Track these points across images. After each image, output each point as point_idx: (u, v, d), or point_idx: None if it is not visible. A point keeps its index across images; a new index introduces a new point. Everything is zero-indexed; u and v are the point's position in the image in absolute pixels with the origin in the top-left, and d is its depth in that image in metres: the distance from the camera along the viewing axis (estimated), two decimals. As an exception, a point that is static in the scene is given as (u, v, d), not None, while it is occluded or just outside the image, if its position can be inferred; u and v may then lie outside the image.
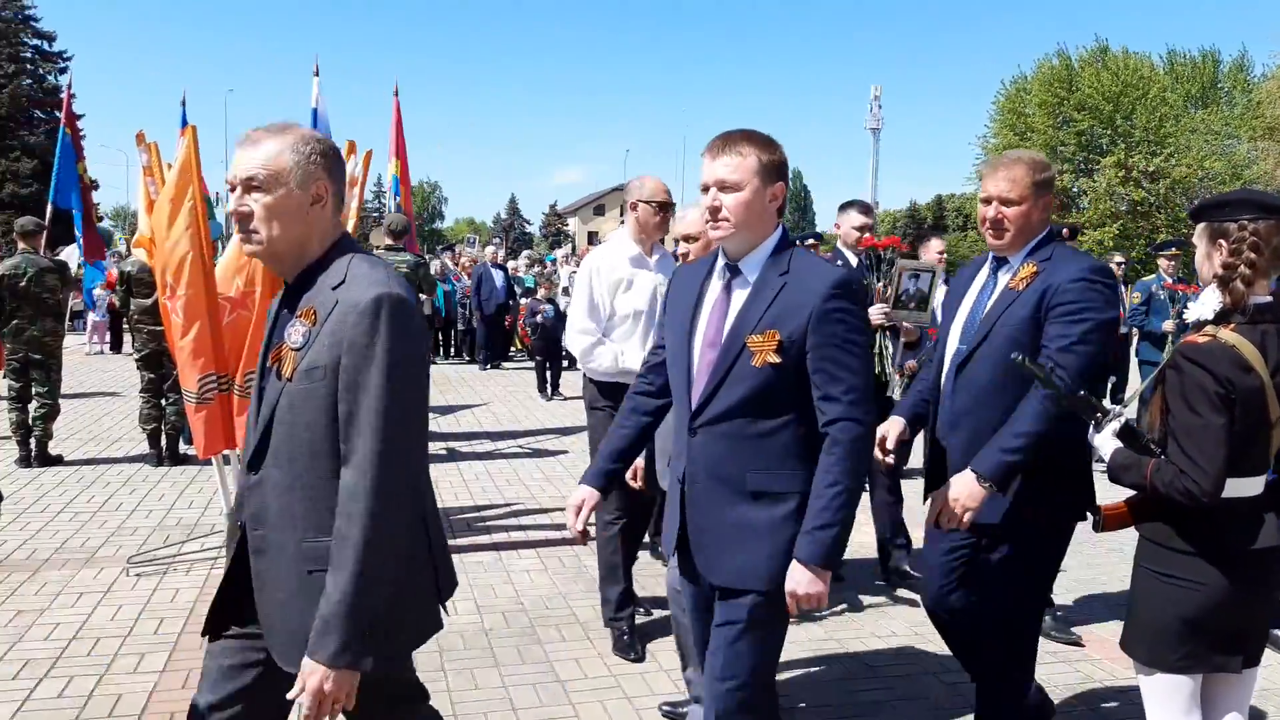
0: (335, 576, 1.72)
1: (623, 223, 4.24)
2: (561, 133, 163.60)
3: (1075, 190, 35.91)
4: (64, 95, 10.46)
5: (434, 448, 8.18)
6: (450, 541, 5.44)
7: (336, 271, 1.85)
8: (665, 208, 3.96)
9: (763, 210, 2.22)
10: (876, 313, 4.54)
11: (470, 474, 7.22)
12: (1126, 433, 2.35)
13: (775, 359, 2.14)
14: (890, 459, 3.03)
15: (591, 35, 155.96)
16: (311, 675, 1.72)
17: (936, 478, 2.88)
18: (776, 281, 2.20)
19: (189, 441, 6.34)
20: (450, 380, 12.73)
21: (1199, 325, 2.27)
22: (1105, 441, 2.37)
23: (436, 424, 9.38)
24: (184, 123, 9.25)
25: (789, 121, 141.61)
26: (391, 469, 1.73)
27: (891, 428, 3.02)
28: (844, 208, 5.03)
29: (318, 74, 8.07)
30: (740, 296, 2.24)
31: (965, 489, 2.60)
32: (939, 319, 3.84)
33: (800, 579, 2.11)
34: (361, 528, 1.71)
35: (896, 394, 4.65)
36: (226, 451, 4.90)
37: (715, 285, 2.32)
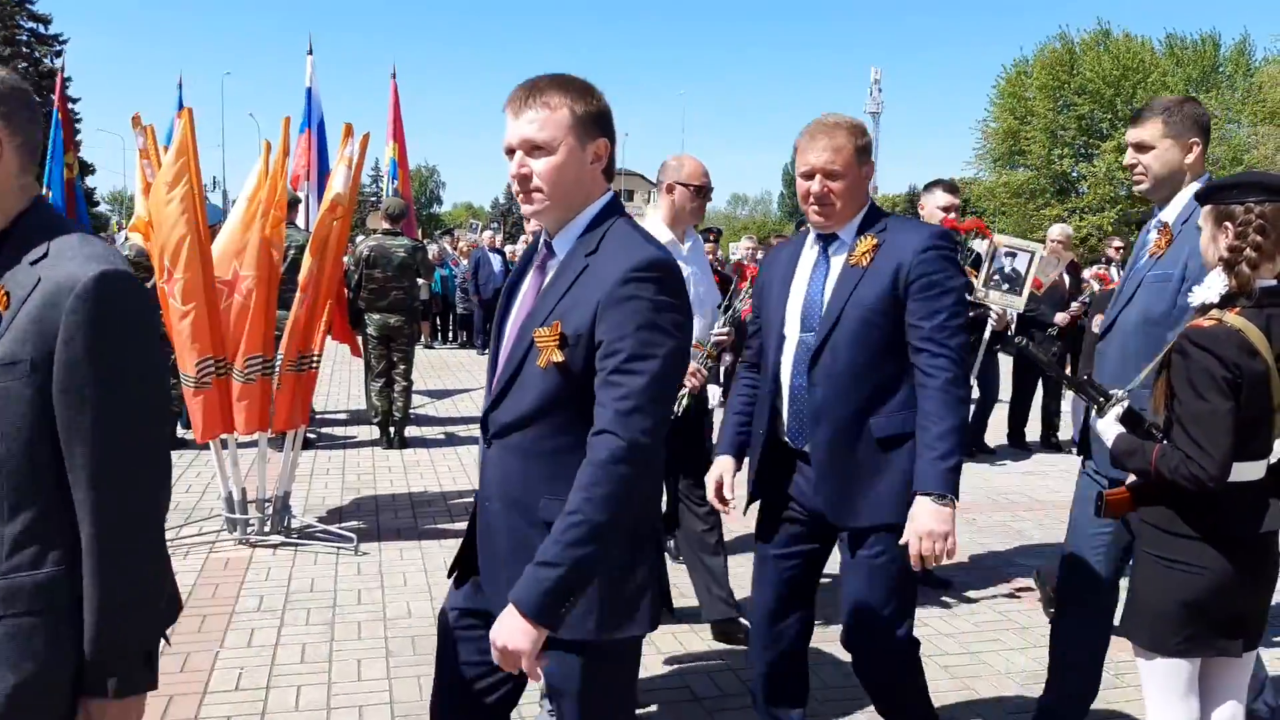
0: (93, 608, 1.47)
1: (648, 203, 4.09)
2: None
3: (1075, 175, 35.80)
4: (58, 78, 10.40)
5: (432, 432, 8.18)
6: (449, 525, 5.46)
7: (35, 246, 1.50)
8: (703, 192, 3.74)
9: (580, 174, 1.81)
10: None
11: (469, 459, 7.22)
12: (1129, 417, 2.34)
13: (558, 358, 1.72)
14: (730, 507, 2.73)
15: (590, 18, 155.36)
16: (101, 713, 1.51)
17: (771, 487, 2.63)
18: (580, 263, 1.78)
19: (186, 426, 6.33)
20: (448, 365, 12.72)
21: (1204, 309, 2.25)
22: (1108, 426, 2.36)
23: (434, 408, 9.39)
24: (180, 105, 9.24)
25: (789, 105, 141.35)
26: (128, 480, 1.48)
27: (722, 470, 2.70)
28: (929, 187, 4.78)
29: (311, 52, 8.03)
30: (546, 280, 1.86)
31: (932, 517, 2.32)
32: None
33: (499, 627, 1.66)
34: (103, 553, 1.46)
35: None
36: (225, 435, 4.90)
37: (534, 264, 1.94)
